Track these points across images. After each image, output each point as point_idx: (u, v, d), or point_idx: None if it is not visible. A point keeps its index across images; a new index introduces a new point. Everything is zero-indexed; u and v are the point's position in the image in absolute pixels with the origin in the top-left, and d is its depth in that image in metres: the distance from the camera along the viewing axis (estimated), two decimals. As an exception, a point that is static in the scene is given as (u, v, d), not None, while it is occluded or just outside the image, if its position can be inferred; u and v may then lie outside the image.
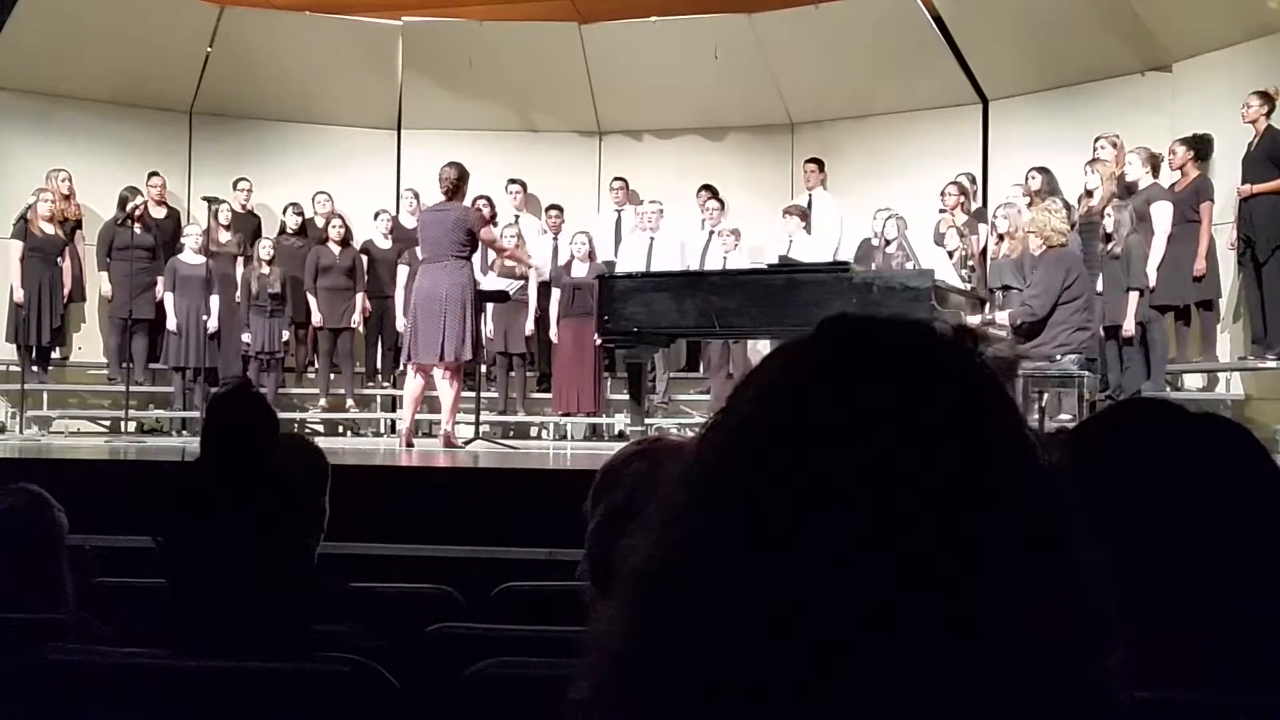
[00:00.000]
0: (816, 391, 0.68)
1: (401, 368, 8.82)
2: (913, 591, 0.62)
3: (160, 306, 11.24)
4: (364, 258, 11.76)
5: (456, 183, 8.39)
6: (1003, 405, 0.70)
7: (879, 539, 0.63)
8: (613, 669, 0.69)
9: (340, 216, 11.85)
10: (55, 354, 11.42)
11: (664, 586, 0.68)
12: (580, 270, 11.16)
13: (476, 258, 11.09)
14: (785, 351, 0.73)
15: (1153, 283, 8.75)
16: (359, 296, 11.61)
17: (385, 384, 11.85)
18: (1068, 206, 9.45)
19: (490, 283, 9.77)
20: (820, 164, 11.86)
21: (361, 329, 11.81)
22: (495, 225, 11.79)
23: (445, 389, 8.28)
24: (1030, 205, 9.58)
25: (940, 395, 0.68)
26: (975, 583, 0.63)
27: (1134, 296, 8.60)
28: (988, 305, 8.87)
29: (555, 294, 11.41)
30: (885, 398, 0.67)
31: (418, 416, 8.96)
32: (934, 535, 0.63)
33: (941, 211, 10.61)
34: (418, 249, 9.06)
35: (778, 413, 0.69)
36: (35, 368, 11.04)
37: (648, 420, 9.22)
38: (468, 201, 11.06)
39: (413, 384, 8.37)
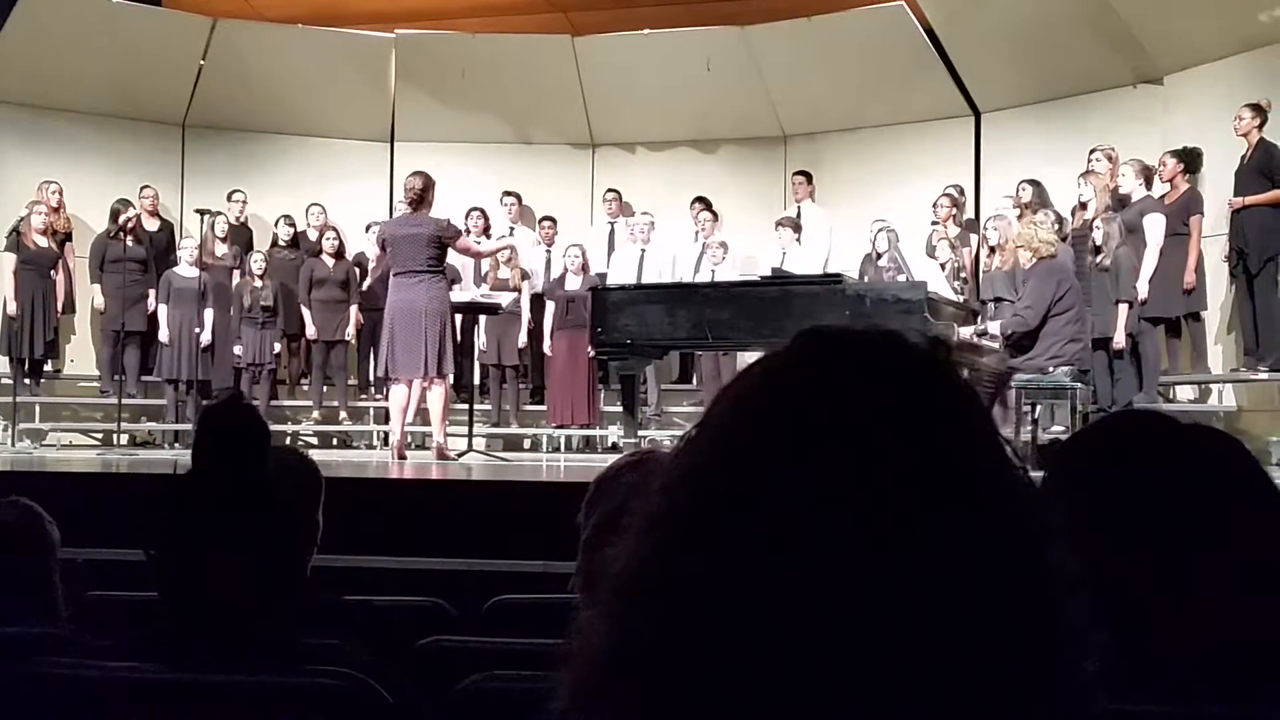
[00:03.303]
0: (789, 399, 0.69)
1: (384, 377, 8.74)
2: (884, 595, 0.63)
3: (152, 319, 11.23)
4: (357, 270, 11.75)
5: (422, 192, 8.21)
6: (974, 412, 0.71)
7: (850, 543, 0.64)
8: (592, 676, 0.69)
9: (334, 229, 11.85)
10: (47, 366, 11.40)
11: (642, 592, 0.68)
12: (574, 282, 11.17)
13: (470, 268, 11.16)
14: (760, 363, 0.74)
15: (1145, 295, 8.76)
16: (352, 309, 11.60)
17: (378, 396, 11.83)
18: (1060, 219, 9.48)
19: (482, 295, 9.75)
20: (809, 176, 11.90)
21: (354, 341, 11.79)
22: (489, 237, 11.79)
23: (434, 400, 8.26)
24: (1020, 217, 9.61)
25: (911, 402, 0.68)
26: (947, 586, 0.64)
27: (1123, 309, 8.60)
28: (980, 317, 8.89)
29: (549, 306, 11.41)
30: (857, 405, 0.68)
31: (411, 429, 8.94)
32: (904, 539, 0.64)
33: (933, 224, 10.63)
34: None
35: (751, 420, 0.70)
36: (27, 380, 11.01)
37: (641, 432, 9.22)
38: (461, 213, 11.10)
39: (398, 395, 8.33)
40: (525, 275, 11.55)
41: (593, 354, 9.71)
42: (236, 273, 11.53)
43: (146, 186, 11.76)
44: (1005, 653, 0.64)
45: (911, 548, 0.64)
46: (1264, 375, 8.61)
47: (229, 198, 11.91)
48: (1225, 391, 9.45)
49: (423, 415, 8.95)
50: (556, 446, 11.19)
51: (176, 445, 10.73)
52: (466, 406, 9.38)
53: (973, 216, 11.14)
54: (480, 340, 11.29)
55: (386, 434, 10.68)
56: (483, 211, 11.95)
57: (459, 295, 9.11)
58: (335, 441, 11.91)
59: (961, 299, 9.23)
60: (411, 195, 8.27)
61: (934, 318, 7.43)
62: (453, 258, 9.11)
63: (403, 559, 4.79)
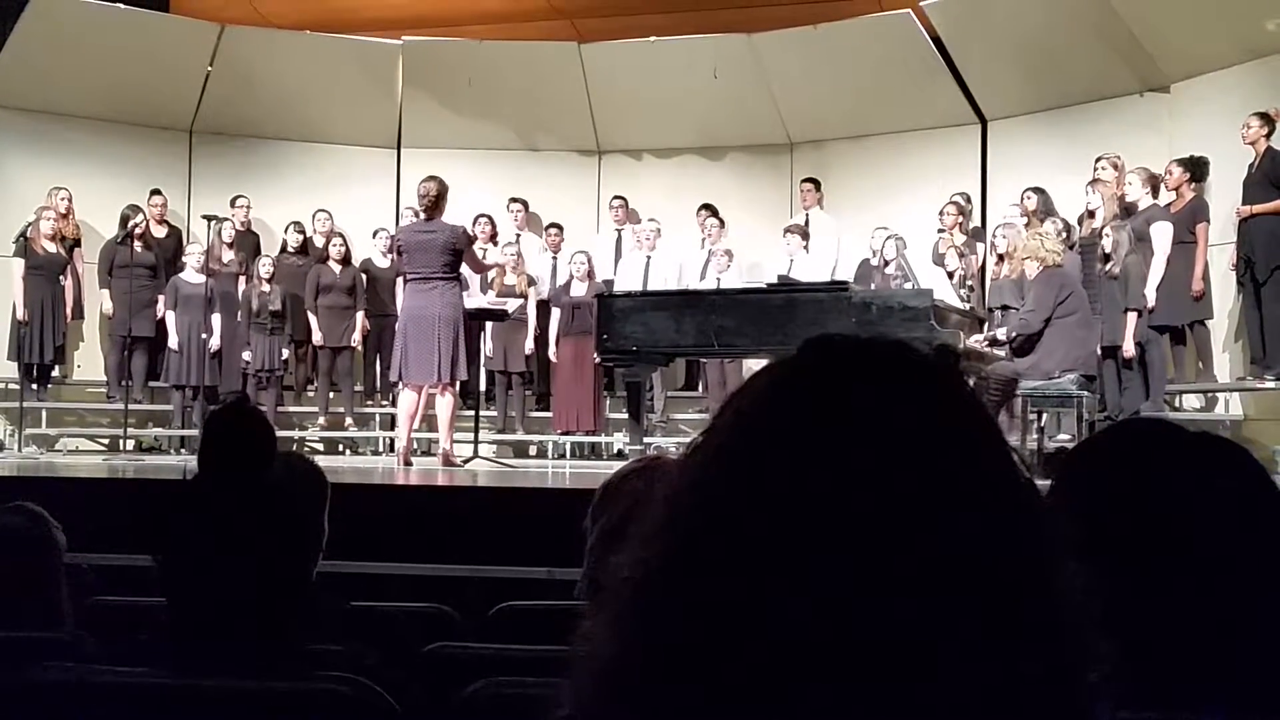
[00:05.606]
0: (796, 408, 0.69)
1: (398, 384, 8.79)
2: (889, 603, 0.63)
3: (160, 324, 11.25)
4: (364, 276, 11.77)
5: (436, 198, 8.23)
6: (980, 421, 0.71)
7: (856, 552, 0.64)
8: (598, 683, 0.69)
9: (341, 235, 11.86)
10: (55, 372, 11.42)
11: (647, 600, 0.68)
12: (579, 289, 11.17)
13: (476, 276, 11.17)
14: (767, 371, 0.74)
15: (1152, 303, 8.76)
16: (359, 315, 11.61)
17: (384, 403, 11.85)
18: (1067, 227, 9.48)
19: (489, 302, 9.76)
20: (816, 184, 11.89)
21: (361, 348, 11.81)
22: (495, 243, 11.80)
23: (442, 407, 8.26)
24: (1027, 225, 9.60)
25: (916, 411, 0.68)
26: (952, 594, 0.64)
27: (1132, 317, 8.61)
28: (986, 325, 8.88)
29: (555, 313, 11.42)
30: (863, 414, 0.68)
31: (417, 435, 8.93)
32: (909, 547, 0.64)
33: (940, 231, 10.63)
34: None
35: (757, 429, 0.70)
36: (35, 386, 11.03)
37: (647, 439, 9.22)
38: (468, 220, 11.12)
39: (407, 401, 8.34)
40: (531, 281, 11.57)
41: (598, 360, 9.71)
42: (243, 279, 11.54)
43: (156, 192, 11.77)
44: (1010, 660, 0.64)
45: (917, 556, 0.64)
46: (1271, 384, 8.59)
47: (233, 203, 11.93)
48: (1232, 400, 9.43)
49: (429, 421, 8.95)
50: (562, 453, 11.19)
51: (183, 451, 10.75)
52: (472, 413, 9.38)
53: (979, 224, 11.13)
54: (486, 347, 11.29)
55: (392, 440, 10.72)
56: (490, 218, 11.96)
57: (467, 302, 9.13)
58: (341, 447, 11.92)
59: (968, 307, 9.22)
60: (426, 201, 8.28)
61: (940, 325, 7.42)
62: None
63: (408, 565, 4.80)
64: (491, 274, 10.60)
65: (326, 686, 1.95)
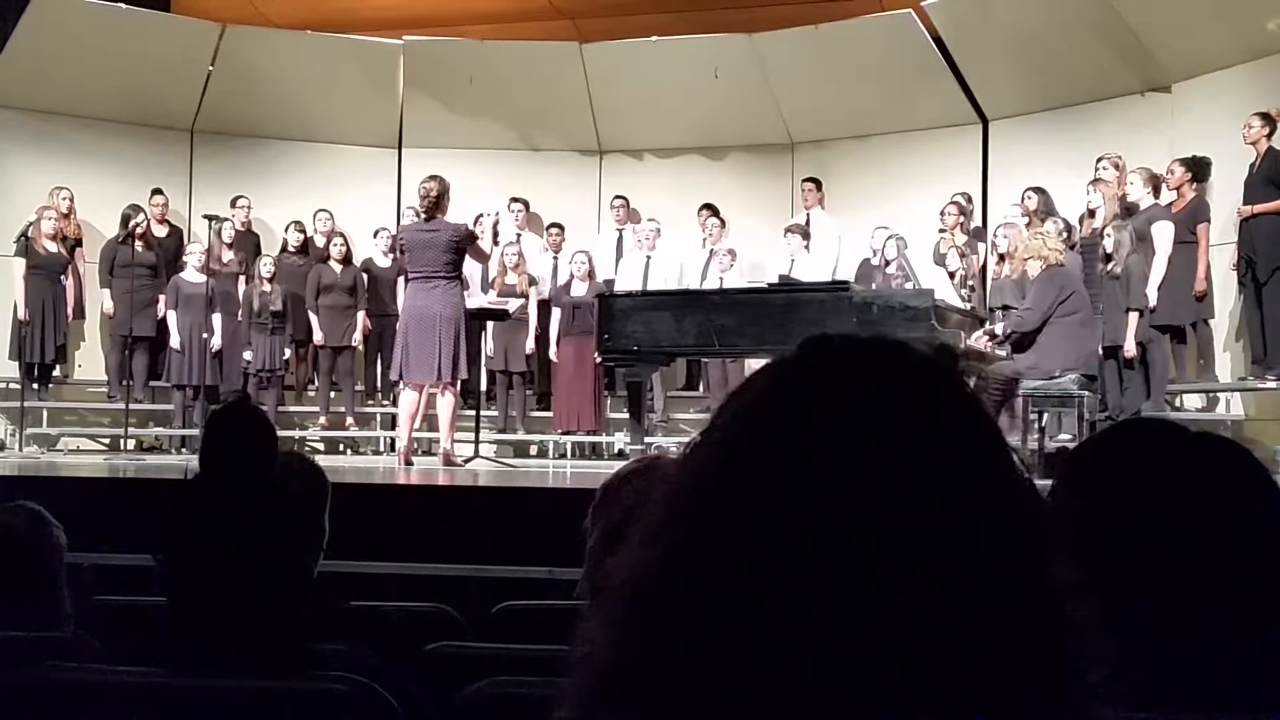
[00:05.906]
0: (794, 407, 0.69)
1: (399, 384, 8.78)
2: (888, 604, 0.63)
3: (161, 324, 11.26)
4: (365, 276, 11.77)
5: (438, 197, 8.21)
6: (980, 421, 0.71)
7: (854, 552, 0.64)
8: (598, 683, 0.69)
9: (341, 235, 11.87)
10: (56, 371, 11.42)
11: (646, 601, 0.68)
12: (580, 289, 11.18)
13: (477, 276, 11.17)
14: (766, 372, 0.74)
15: (1153, 303, 8.76)
16: (360, 315, 11.62)
17: (385, 402, 11.85)
18: (1068, 226, 9.48)
19: (490, 301, 9.76)
20: (818, 183, 11.89)
21: (362, 347, 11.81)
22: (497, 245, 11.80)
23: (443, 406, 8.26)
24: (1029, 225, 9.60)
25: (916, 411, 0.68)
26: (951, 595, 0.63)
27: (1133, 317, 8.60)
28: (987, 325, 8.88)
29: (555, 313, 11.42)
30: (862, 413, 0.67)
31: (418, 434, 8.93)
32: (908, 547, 0.64)
33: (941, 231, 10.62)
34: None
35: (756, 428, 0.70)
36: (36, 385, 11.03)
37: (647, 439, 9.22)
38: (469, 218, 11.12)
39: (408, 400, 8.33)
40: (532, 281, 11.57)
41: (599, 360, 9.71)
42: (243, 278, 11.55)
43: (157, 192, 11.77)
44: (1011, 660, 0.64)
45: (915, 557, 0.64)
46: (1272, 384, 8.59)
47: (233, 203, 11.94)
48: (1233, 400, 9.43)
49: (430, 421, 8.93)
50: (563, 453, 11.19)
51: (183, 450, 10.75)
52: (473, 412, 9.38)
53: (980, 224, 11.13)
54: (487, 346, 11.30)
55: (393, 440, 10.71)
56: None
57: (469, 301, 9.13)
58: (342, 447, 11.92)
59: (969, 307, 9.22)
60: (427, 201, 8.27)
61: (941, 325, 7.42)
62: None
63: (409, 565, 4.80)
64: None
65: (326, 686, 1.95)
